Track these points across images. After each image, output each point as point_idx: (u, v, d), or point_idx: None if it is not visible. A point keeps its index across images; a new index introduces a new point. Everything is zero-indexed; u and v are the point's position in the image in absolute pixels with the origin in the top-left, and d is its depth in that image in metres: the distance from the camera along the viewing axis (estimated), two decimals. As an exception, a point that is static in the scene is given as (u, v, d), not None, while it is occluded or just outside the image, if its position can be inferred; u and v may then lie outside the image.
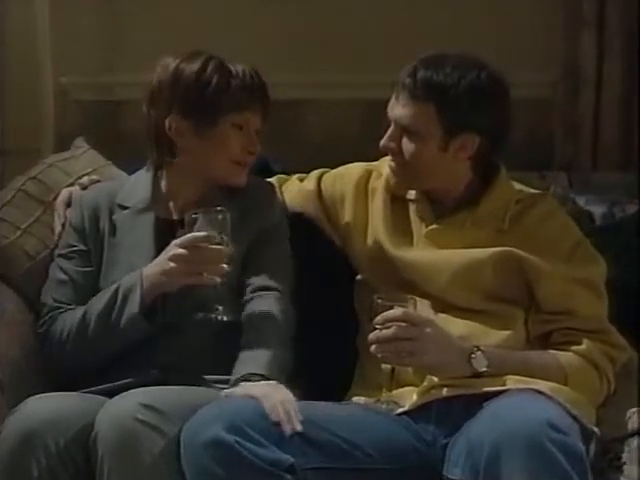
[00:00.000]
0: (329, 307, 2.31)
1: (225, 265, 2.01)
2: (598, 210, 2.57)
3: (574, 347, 2.09)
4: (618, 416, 2.10)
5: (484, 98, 2.11)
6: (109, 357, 2.09)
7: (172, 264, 2.02)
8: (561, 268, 2.13)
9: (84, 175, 2.45)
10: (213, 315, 2.03)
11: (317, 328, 2.24)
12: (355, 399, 2.11)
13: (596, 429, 1.98)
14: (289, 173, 2.48)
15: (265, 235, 2.18)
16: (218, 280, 2.01)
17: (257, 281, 2.13)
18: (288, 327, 2.09)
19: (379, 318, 1.97)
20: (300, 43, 3.09)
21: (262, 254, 2.17)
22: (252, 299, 2.11)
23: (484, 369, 2.01)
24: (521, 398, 1.88)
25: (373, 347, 1.97)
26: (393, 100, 2.17)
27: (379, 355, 1.98)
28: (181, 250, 2.02)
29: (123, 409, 1.84)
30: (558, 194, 2.55)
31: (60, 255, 2.21)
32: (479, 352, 2.01)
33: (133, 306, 2.04)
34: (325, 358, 2.22)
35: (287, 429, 1.84)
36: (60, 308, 2.15)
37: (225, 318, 2.04)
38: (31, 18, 3.11)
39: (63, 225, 2.26)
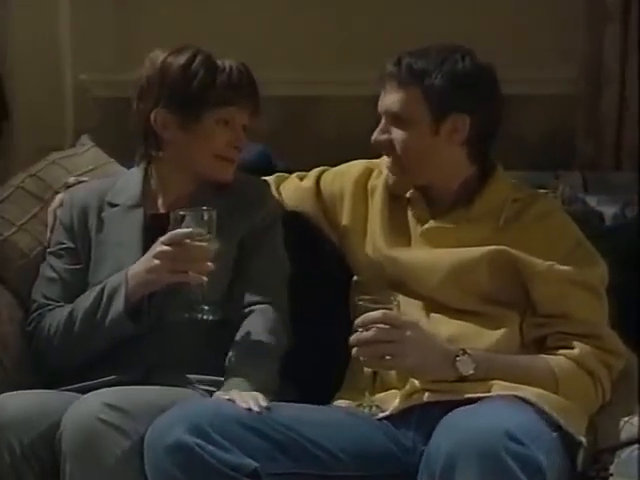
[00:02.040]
0: (325, 307, 2.26)
1: (210, 263, 1.99)
2: (610, 211, 2.48)
3: (567, 352, 2.03)
4: (613, 424, 2.02)
5: (468, 79, 2.11)
6: (96, 355, 2.08)
7: (156, 261, 2.01)
8: (557, 269, 2.06)
9: (85, 172, 2.44)
10: (199, 315, 2.01)
11: (313, 328, 2.20)
12: (339, 402, 2.07)
13: (583, 439, 1.91)
14: (300, 170, 2.44)
15: (256, 237, 2.15)
16: (204, 279, 1.99)
17: (250, 294, 2.10)
18: (279, 345, 2.06)
19: (359, 320, 1.93)
20: (315, 41, 3.07)
21: (255, 261, 2.13)
22: (244, 316, 2.08)
23: (471, 372, 1.95)
24: (487, 406, 1.82)
25: (354, 350, 1.92)
26: (381, 94, 2.16)
27: (360, 358, 1.93)
28: (165, 247, 2.00)
29: (87, 408, 1.83)
30: (566, 194, 2.47)
31: (50, 253, 2.21)
32: (465, 355, 1.96)
33: (118, 305, 2.03)
34: (319, 358, 2.19)
35: (255, 408, 1.83)
36: (49, 305, 2.15)
37: (211, 317, 2.01)
38: (52, 16, 3.15)
39: (52, 231, 2.25)
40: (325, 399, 2.10)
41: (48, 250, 2.22)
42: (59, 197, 2.31)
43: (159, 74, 2.14)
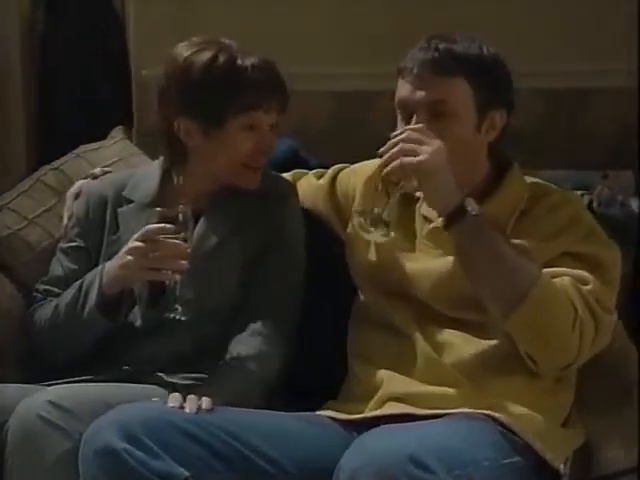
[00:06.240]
0: (333, 311, 2.16)
1: (184, 262, 1.93)
2: (654, 214, 2.28)
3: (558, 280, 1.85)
4: (620, 447, 1.87)
5: (500, 68, 1.95)
6: (86, 351, 2.05)
7: (129, 257, 1.97)
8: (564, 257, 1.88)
9: (110, 165, 2.42)
10: (172, 315, 1.96)
11: (321, 332, 2.13)
12: (322, 412, 1.95)
13: (562, 466, 1.77)
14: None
15: (270, 241, 2.07)
16: (177, 277, 1.94)
17: (249, 318, 2.03)
18: (263, 371, 1.98)
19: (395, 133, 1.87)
20: (373, 35, 2.96)
21: (265, 266, 2.07)
22: (237, 340, 2.02)
23: (473, 213, 1.83)
24: (412, 426, 1.70)
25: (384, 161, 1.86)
26: (407, 85, 1.93)
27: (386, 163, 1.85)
28: (137, 243, 1.96)
29: (31, 405, 1.79)
30: (604, 196, 2.28)
31: (61, 250, 2.19)
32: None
33: (91, 300, 2.01)
34: (324, 364, 2.09)
35: (189, 410, 1.76)
36: (46, 300, 2.13)
37: (183, 318, 1.96)
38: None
39: (70, 217, 2.23)
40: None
41: (61, 245, 2.20)
42: (78, 184, 2.29)
43: (180, 77, 2.06)
